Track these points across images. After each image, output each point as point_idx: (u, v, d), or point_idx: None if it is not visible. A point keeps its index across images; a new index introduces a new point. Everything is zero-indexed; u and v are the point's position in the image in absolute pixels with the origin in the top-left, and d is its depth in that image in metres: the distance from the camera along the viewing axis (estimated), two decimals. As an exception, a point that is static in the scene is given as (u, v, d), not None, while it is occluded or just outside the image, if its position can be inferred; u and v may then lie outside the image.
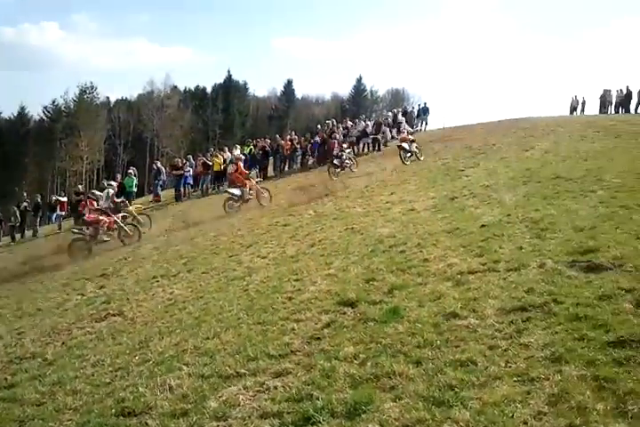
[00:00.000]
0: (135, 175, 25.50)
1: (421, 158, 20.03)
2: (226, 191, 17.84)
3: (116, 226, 15.82)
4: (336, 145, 22.14)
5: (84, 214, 16.14)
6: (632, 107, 30.28)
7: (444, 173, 15.40)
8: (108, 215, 15.84)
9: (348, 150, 22.06)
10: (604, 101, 32.48)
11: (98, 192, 16.82)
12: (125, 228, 15.96)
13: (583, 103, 34.66)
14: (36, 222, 26.69)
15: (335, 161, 20.65)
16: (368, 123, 29.08)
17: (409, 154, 19.79)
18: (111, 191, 16.96)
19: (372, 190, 14.97)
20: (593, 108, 33.84)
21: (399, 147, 19.99)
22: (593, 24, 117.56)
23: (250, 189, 17.72)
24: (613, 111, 31.38)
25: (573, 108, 34.67)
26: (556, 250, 6.51)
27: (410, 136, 20.78)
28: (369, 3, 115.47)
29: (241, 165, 18.47)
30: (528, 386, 3.73)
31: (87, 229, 15.60)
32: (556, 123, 23.51)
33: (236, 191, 17.50)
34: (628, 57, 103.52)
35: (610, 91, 32.41)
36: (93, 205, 15.90)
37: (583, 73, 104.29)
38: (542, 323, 4.62)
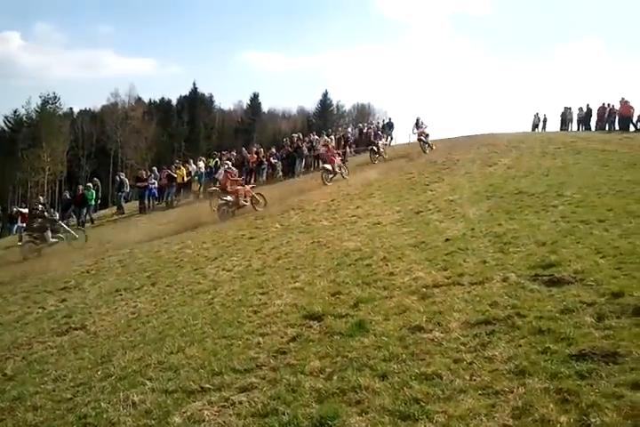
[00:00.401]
0: (96, 187, 25.13)
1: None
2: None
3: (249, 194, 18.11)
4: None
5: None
6: (592, 124, 31.08)
7: (409, 188, 15.54)
8: (243, 185, 18.40)
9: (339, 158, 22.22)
10: (565, 119, 33.35)
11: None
12: (256, 196, 17.96)
13: (544, 120, 35.51)
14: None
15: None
16: (332, 137, 29.31)
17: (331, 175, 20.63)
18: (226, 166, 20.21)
19: (338, 204, 15.01)
20: (554, 125, 34.69)
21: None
22: (553, 44, 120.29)
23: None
24: (575, 128, 32.17)
25: (535, 125, 35.44)
26: (519, 264, 6.62)
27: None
28: (334, 23, 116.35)
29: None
30: (493, 399, 3.76)
31: (229, 197, 17.64)
32: (518, 139, 23.96)
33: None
34: (588, 76, 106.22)
35: (570, 108, 33.32)
36: (233, 177, 18.48)
37: (544, 91, 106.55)
38: (506, 336, 4.68)
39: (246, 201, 17.84)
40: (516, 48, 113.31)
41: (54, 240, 18.08)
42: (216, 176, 23.54)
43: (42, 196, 40.25)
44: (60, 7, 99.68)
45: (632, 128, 27.54)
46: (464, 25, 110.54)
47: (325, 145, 22.88)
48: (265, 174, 28.02)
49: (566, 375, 3.86)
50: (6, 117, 69.50)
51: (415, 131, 25.89)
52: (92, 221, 24.66)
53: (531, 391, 3.74)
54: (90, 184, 25.58)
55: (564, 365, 4.00)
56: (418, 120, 25.97)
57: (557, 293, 5.49)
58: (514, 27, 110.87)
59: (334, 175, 20.51)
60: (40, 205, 20.19)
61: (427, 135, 25.29)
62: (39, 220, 18.60)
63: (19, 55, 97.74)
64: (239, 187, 17.92)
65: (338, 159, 21.34)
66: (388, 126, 33.95)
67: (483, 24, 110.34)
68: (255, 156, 27.97)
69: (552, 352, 4.22)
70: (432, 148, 24.76)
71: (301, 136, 29.98)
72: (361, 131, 29.70)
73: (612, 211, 8.79)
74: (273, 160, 28.08)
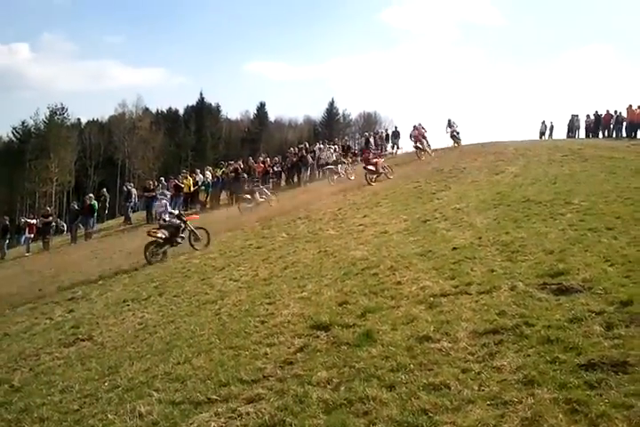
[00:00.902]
0: (103, 198, 25.29)
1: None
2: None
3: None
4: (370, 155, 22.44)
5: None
6: (599, 131, 30.97)
7: (416, 196, 15.52)
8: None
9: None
10: (572, 126, 33.24)
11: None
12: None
13: (551, 128, 35.39)
14: (4, 245, 26.11)
15: (369, 167, 21.02)
16: (335, 147, 29.51)
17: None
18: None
19: (344, 213, 15.00)
20: (561, 133, 34.59)
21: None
22: (559, 51, 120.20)
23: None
24: (583, 136, 32.08)
25: (542, 133, 35.35)
26: (527, 273, 6.59)
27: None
28: (339, 33, 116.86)
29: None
30: (501, 409, 3.73)
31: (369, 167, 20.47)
32: (524, 147, 23.89)
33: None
34: (597, 82, 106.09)
35: (577, 116, 33.22)
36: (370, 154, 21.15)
37: (552, 98, 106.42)
38: (514, 346, 4.65)
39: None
40: (522, 55, 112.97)
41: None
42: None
43: (50, 206, 40.38)
44: (68, 17, 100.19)
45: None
46: (470, 33, 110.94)
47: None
48: (271, 183, 28.15)
49: (575, 385, 3.83)
50: (14, 128, 69.98)
51: (448, 130, 27.77)
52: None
53: (540, 402, 3.70)
54: (91, 195, 25.73)
55: (573, 374, 3.97)
56: (449, 121, 27.75)
57: (566, 301, 5.46)
58: (520, 34, 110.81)
59: (378, 175, 20.93)
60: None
61: (458, 133, 28.13)
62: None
63: (27, 66, 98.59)
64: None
65: (381, 160, 21.84)
66: (394, 135, 33.94)
67: (489, 32, 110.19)
68: (262, 165, 28.09)
69: (561, 362, 4.19)
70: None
71: (307, 145, 30.18)
72: (367, 140, 29.69)
73: (620, 218, 8.76)
74: (276, 168, 28.27)
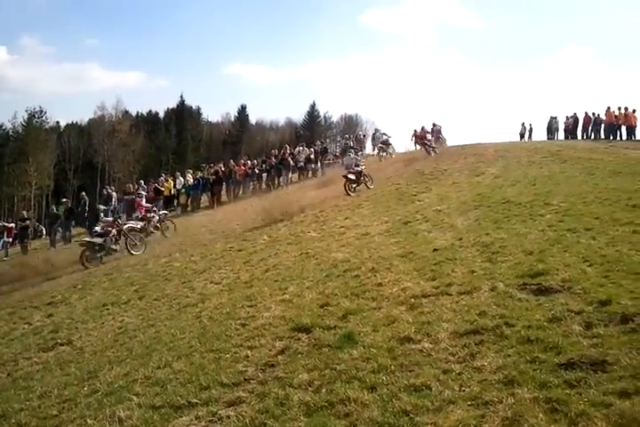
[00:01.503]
0: (83, 201, 25.23)
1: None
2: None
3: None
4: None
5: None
6: (578, 133, 31.33)
7: (397, 198, 15.58)
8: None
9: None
10: (551, 128, 33.63)
11: None
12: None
13: (530, 130, 35.76)
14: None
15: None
16: (312, 150, 29.71)
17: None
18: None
19: (326, 215, 15.00)
20: (541, 135, 34.95)
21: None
22: (539, 54, 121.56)
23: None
24: (562, 137, 32.41)
25: (522, 135, 35.71)
26: (507, 273, 6.63)
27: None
28: (320, 35, 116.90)
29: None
30: (482, 410, 3.73)
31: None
32: (504, 149, 24.10)
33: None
34: (576, 84, 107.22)
35: (556, 118, 33.65)
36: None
37: (531, 101, 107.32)
38: (495, 346, 4.66)
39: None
40: (502, 57, 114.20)
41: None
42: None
43: (28, 210, 39.86)
44: (46, 20, 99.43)
45: (625, 136, 27.80)
46: (450, 36, 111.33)
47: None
48: (251, 186, 28.25)
49: (555, 385, 3.85)
50: (-8, 132, 69.18)
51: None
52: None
53: (520, 401, 3.71)
54: (64, 199, 25.72)
55: (552, 374, 3.99)
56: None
57: (545, 301, 5.49)
58: (499, 36, 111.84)
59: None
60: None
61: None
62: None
63: (5, 69, 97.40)
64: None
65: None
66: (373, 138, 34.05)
67: (468, 35, 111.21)
68: (242, 168, 28.07)
69: (541, 361, 4.20)
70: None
71: (288, 148, 30.27)
72: (347, 145, 29.65)
73: (598, 219, 8.85)
74: (257, 170, 28.38)
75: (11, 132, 68.91)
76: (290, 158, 28.32)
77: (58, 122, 73.63)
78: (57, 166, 66.31)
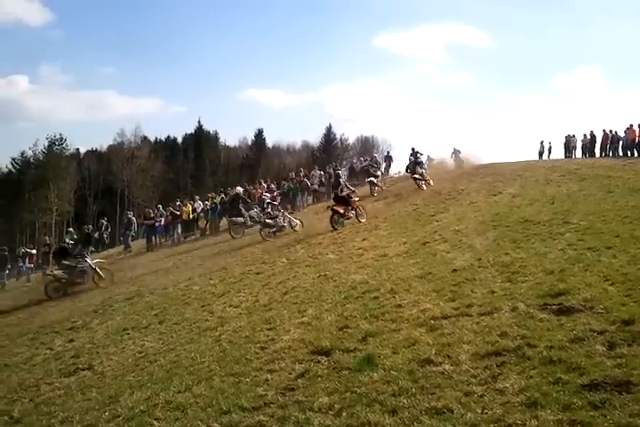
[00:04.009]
0: (106, 226, 25.45)
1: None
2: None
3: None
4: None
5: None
6: (596, 150, 31.15)
7: (414, 219, 15.54)
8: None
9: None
10: (569, 146, 33.49)
11: None
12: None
13: (549, 148, 35.62)
14: (4, 275, 26.01)
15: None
16: (321, 172, 30.10)
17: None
18: None
19: (344, 236, 15.00)
20: (559, 153, 34.79)
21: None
22: (553, 73, 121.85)
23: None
24: (580, 155, 32.25)
25: (541, 153, 35.59)
26: (528, 293, 6.57)
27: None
28: (334, 59, 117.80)
29: None
30: (505, 433, 3.69)
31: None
32: (521, 168, 23.99)
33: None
34: (589, 104, 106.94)
35: (574, 136, 33.47)
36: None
37: (549, 120, 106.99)
38: (517, 367, 4.61)
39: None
40: (516, 78, 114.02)
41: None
42: None
43: (49, 236, 40.35)
44: (64, 50, 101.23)
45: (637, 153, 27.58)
46: (464, 57, 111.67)
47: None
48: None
49: (579, 406, 3.79)
50: (13, 159, 70.20)
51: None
52: None
53: (543, 424, 3.66)
54: (71, 229, 26.08)
55: (576, 395, 3.93)
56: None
57: (567, 321, 5.43)
58: (514, 57, 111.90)
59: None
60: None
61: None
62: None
63: (26, 98, 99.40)
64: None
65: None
66: (387, 159, 34.37)
67: (481, 56, 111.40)
68: (260, 191, 28.26)
69: (564, 383, 4.15)
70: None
71: (302, 170, 30.65)
72: (337, 175, 29.09)
73: (618, 237, 8.76)
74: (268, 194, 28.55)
75: (32, 160, 70.02)
76: (306, 181, 28.53)
77: (78, 149, 74.74)
78: (77, 193, 67.09)
